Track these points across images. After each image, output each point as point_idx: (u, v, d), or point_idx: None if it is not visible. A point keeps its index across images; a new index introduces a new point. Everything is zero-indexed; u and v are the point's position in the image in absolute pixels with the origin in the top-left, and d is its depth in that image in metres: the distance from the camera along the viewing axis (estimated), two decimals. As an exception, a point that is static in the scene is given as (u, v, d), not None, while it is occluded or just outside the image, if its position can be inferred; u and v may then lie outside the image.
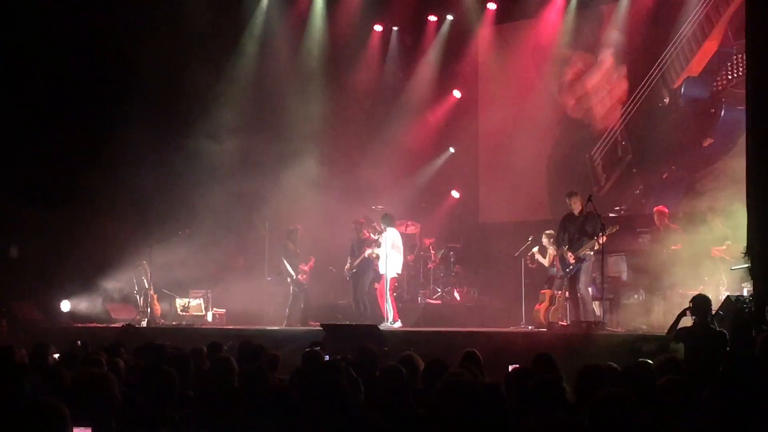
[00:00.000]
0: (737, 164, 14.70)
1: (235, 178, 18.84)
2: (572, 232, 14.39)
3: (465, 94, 21.04)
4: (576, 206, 14.44)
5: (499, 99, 20.42)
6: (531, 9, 19.67)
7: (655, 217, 15.28)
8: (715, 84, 17.65)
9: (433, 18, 20.91)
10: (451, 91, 21.09)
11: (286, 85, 19.91)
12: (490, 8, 20.23)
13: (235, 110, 19.49)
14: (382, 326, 15.06)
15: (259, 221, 19.32)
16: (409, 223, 18.99)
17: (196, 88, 18.70)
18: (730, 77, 17.41)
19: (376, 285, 17.53)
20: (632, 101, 18.65)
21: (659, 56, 18.24)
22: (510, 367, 7.86)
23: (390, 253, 16.34)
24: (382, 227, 16.59)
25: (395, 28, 21.06)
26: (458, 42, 20.86)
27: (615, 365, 7.18)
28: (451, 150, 21.05)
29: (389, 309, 16.17)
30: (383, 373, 6.68)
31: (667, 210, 15.30)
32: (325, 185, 19.24)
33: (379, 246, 16.50)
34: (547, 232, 16.22)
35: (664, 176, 18.12)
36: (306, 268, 17.50)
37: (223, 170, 18.98)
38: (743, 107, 16.52)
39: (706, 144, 17.76)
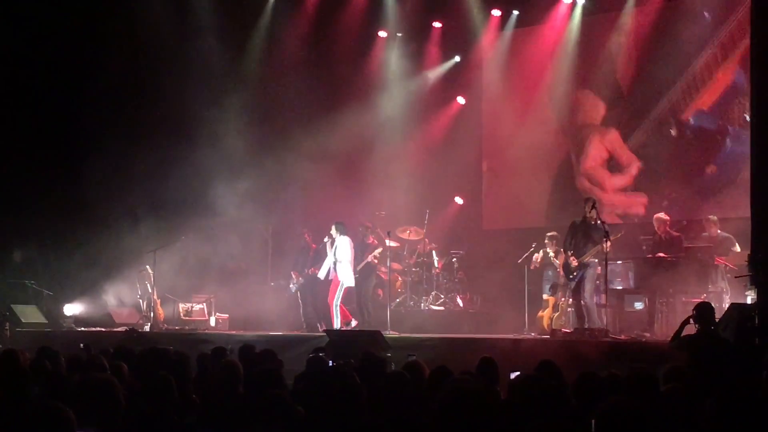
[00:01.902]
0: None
1: (238, 183, 18.84)
2: (579, 238, 14.38)
3: (469, 101, 21.05)
4: (592, 213, 14.38)
5: (503, 105, 20.41)
6: (536, 16, 19.68)
7: (655, 224, 15.23)
8: (725, 117, 17.70)
9: (437, 24, 20.92)
10: (455, 98, 21.09)
11: (289, 90, 19.91)
12: (495, 15, 20.23)
13: (237, 115, 19.50)
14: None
15: (263, 226, 19.33)
16: (412, 229, 19.00)
17: (198, 94, 18.71)
18: (743, 117, 17.32)
19: (380, 291, 17.55)
20: (640, 131, 18.78)
21: (668, 87, 18.30)
22: (511, 375, 7.85)
23: (344, 261, 16.41)
24: (335, 235, 16.60)
25: (399, 35, 21.06)
26: (462, 48, 20.88)
27: (617, 372, 7.16)
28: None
29: (337, 315, 16.27)
30: (388, 380, 6.67)
31: (668, 217, 15.26)
32: (329, 190, 19.24)
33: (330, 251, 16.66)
34: (549, 234, 16.25)
35: (664, 204, 18.14)
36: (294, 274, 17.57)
37: (226, 175, 18.98)
38: (746, 139, 16.80)
39: (709, 171, 17.85)
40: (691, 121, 18.16)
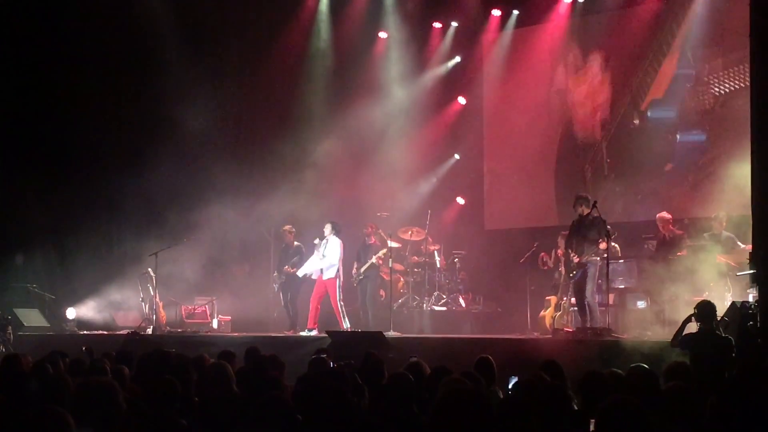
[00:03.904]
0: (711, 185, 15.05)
1: (240, 185, 18.85)
2: (577, 237, 14.36)
3: (470, 101, 21.05)
4: (583, 210, 14.34)
5: (504, 105, 20.42)
6: (536, 15, 19.68)
7: (659, 223, 15.22)
8: (679, 106, 18.02)
9: (437, 24, 20.92)
10: (456, 98, 21.10)
11: (290, 91, 19.93)
12: (495, 14, 20.24)
13: (239, 117, 19.51)
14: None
15: (265, 228, 19.34)
16: (414, 229, 18.99)
17: (198, 97, 18.71)
18: (694, 99, 17.79)
19: (383, 292, 17.53)
20: (613, 119, 18.95)
21: (631, 78, 18.62)
22: (510, 380, 7.83)
23: (335, 261, 16.39)
24: (328, 234, 16.48)
25: (400, 35, 21.05)
26: (463, 49, 20.88)
27: (619, 371, 7.16)
28: (456, 156, 21.05)
29: (344, 315, 16.32)
30: (391, 381, 6.67)
31: (670, 216, 15.25)
32: (331, 192, 19.25)
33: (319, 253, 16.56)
34: (564, 233, 16.16)
35: (639, 197, 18.23)
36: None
37: (227, 177, 18.99)
38: (698, 131, 17.46)
39: (667, 169, 18.10)
40: (649, 113, 18.45)
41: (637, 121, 18.65)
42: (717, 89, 17.43)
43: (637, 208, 17.87)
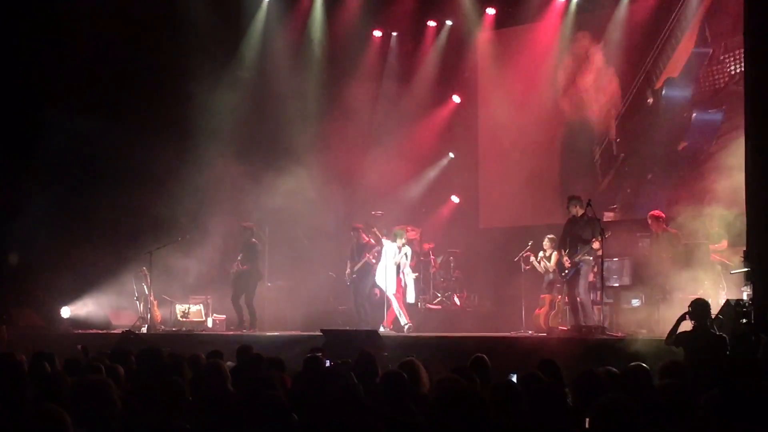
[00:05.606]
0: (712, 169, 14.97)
1: (235, 184, 18.84)
2: (570, 236, 14.39)
3: (464, 99, 21.06)
4: (577, 210, 14.39)
5: (499, 104, 20.41)
6: (530, 13, 19.67)
7: (650, 222, 15.11)
8: (694, 85, 17.80)
9: (432, 23, 20.93)
10: (451, 96, 21.10)
11: (285, 90, 19.92)
12: (489, 13, 20.25)
13: (233, 117, 19.49)
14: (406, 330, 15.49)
15: (259, 226, 19.33)
16: (409, 228, 18.99)
17: (195, 94, 18.69)
18: (710, 78, 17.55)
19: (377, 290, 17.54)
20: (624, 100, 18.75)
21: (645, 57, 18.38)
22: (512, 377, 7.83)
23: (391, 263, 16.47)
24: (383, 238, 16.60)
25: (394, 34, 21.08)
26: (457, 47, 20.88)
27: (614, 369, 7.18)
28: (451, 155, 21.06)
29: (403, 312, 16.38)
30: (385, 379, 6.68)
31: (662, 214, 15.18)
32: (325, 190, 19.23)
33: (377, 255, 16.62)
34: (550, 236, 16.16)
35: (649, 177, 18.18)
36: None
37: (222, 176, 18.97)
38: (715, 110, 17.03)
39: (680, 147, 17.91)
40: (663, 91, 18.26)
41: (650, 100, 18.40)
42: (732, 68, 17.08)
43: (644, 191, 17.91)
